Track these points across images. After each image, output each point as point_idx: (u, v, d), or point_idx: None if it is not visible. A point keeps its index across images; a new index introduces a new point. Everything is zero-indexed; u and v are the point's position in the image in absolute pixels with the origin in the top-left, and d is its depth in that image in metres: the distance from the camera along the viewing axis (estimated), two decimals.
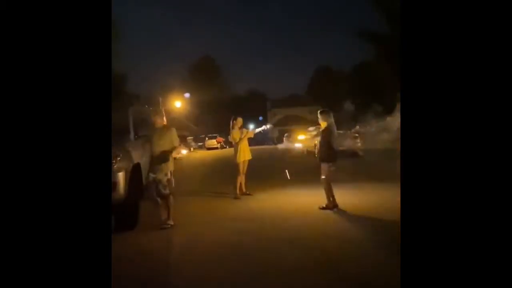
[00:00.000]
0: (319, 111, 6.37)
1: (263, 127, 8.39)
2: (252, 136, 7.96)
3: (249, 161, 7.79)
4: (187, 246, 4.64)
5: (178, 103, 37.24)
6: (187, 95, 39.74)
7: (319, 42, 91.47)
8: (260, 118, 32.04)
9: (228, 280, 3.49)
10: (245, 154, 7.65)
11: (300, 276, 3.48)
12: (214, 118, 45.98)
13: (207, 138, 38.90)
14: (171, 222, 5.42)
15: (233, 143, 7.78)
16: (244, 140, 7.64)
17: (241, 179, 7.70)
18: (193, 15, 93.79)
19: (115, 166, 4.70)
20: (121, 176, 4.86)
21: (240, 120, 7.72)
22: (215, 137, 37.89)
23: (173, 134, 5.51)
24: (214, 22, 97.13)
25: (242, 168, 7.64)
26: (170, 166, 5.40)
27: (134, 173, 5.44)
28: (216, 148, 35.56)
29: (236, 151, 7.65)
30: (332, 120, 6.14)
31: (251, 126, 8.16)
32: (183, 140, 35.28)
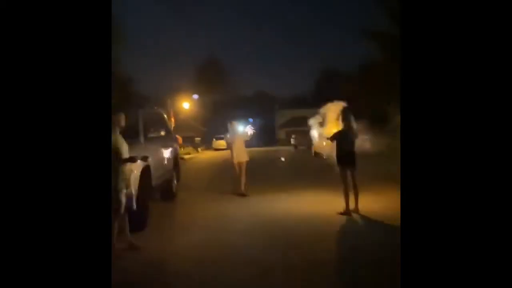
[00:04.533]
0: (341, 109, 6.03)
1: (248, 129, 8.39)
2: (247, 138, 8.29)
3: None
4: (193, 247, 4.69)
5: (187, 105, 37.39)
6: (195, 96, 39.87)
7: (327, 43, 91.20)
8: (250, 119, 32.14)
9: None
10: (239, 155, 8.08)
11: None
12: (221, 119, 46.08)
13: (214, 139, 39.01)
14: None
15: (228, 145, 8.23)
16: (237, 142, 8.09)
17: (240, 179, 8.07)
18: (201, 17, 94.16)
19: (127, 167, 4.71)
20: (132, 178, 4.92)
21: (234, 124, 8.29)
22: (222, 138, 37.98)
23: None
24: (222, 23, 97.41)
25: (238, 169, 8.08)
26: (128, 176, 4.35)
27: (144, 175, 5.50)
28: (224, 149, 35.65)
29: (231, 153, 8.20)
30: (353, 120, 5.91)
31: (241, 128, 8.25)
32: (190, 141, 35.53)
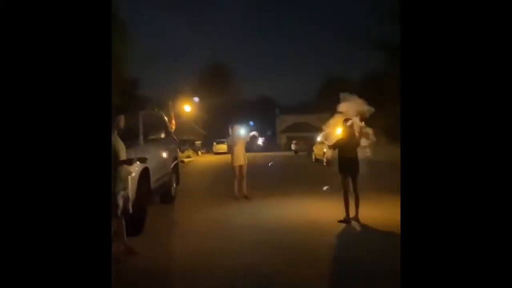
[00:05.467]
0: (344, 119, 5.99)
1: (252, 133, 8.70)
2: (248, 141, 8.53)
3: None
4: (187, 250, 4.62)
5: (188, 107, 37.43)
6: (196, 99, 39.94)
7: (331, 51, 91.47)
8: (251, 123, 32.21)
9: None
10: (239, 159, 8.23)
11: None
12: (223, 123, 46.10)
13: (215, 143, 39.02)
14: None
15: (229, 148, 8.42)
16: (238, 146, 8.23)
17: (241, 182, 8.26)
18: (205, 20, 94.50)
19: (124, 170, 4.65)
20: (130, 180, 4.86)
21: (236, 128, 8.43)
22: (223, 142, 37.99)
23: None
24: (226, 28, 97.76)
25: (238, 172, 8.23)
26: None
27: (142, 177, 5.44)
28: (225, 152, 35.68)
29: (232, 157, 8.35)
30: (354, 129, 5.87)
31: (242, 131, 8.37)
32: (190, 144, 35.53)
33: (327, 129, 6.54)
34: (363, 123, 6.13)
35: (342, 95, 6.48)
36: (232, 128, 8.50)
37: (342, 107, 6.33)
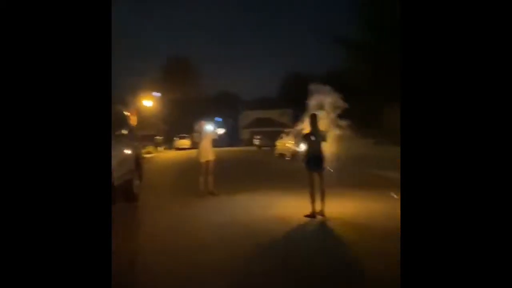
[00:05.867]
0: (309, 114, 6.03)
1: (219, 130, 8.87)
2: (215, 137, 8.48)
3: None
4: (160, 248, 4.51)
5: (149, 103, 36.56)
6: (156, 94, 39.09)
7: (294, 46, 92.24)
8: (219, 119, 31.92)
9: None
10: (206, 154, 8.11)
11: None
12: (184, 118, 45.41)
13: (177, 139, 38.40)
14: None
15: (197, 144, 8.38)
16: (205, 141, 8.16)
17: (207, 178, 8.09)
18: (166, 14, 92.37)
19: None
20: None
21: (203, 123, 8.30)
22: (185, 137, 37.44)
23: None
24: (188, 22, 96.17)
25: (205, 167, 8.07)
26: None
27: None
28: (187, 148, 35.18)
29: (198, 152, 8.23)
30: (319, 124, 5.92)
31: (209, 127, 8.37)
32: (151, 140, 34.76)
33: (301, 125, 6.45)
34: (335, 115, 6.13)
35: (313, 86, 6.41)
36: (199, 123, 8.37)
37: (314, 99, 6.30)
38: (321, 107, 6.14)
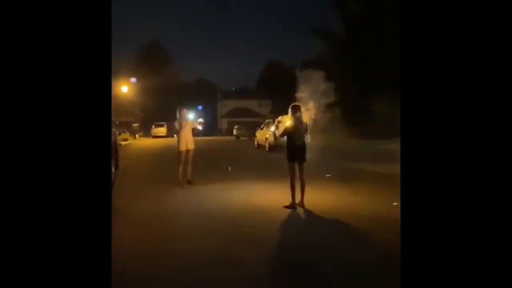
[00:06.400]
0: (291, 105, 5.96)
1: (200, 119, 8.57)
2: (195, 126, 8.28)
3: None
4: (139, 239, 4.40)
5: (125, 88, 35.79)
6: (133, 79, 38.30)
7: (272, 36, 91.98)
8: (200, 107, 31.53)
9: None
10: (186, 143, 7.96)
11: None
12: (161, 105, 44.69)
13: (153, 126, 37.78)
14: None
15: (177, 132, 8.13)
16: (186, 130, 7.98)
17: (186, 167, 8.00)
18: (145, 3, 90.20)
19: None
20: None
21: (184, 111, 8.09)
22: (162, 125, 36.89)
23: None
24: (165, 8, 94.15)
25: (185, 156, 7.96)
26: None
27: None
28: (163, 136, 34.71)
29: (178, 140, 8.03)
30: (301, 116, 5.87)
31: (190, 116, 8.29)
32: (128, 127, 34.08)
33: (282, 116, 6.31)
34: (325, 104, 6.04)
35: (302, 73, 6.22)
36: (180, 111, 8.12)
37: (302, 89, 6.18)
38: (312, 94, 6.05)
